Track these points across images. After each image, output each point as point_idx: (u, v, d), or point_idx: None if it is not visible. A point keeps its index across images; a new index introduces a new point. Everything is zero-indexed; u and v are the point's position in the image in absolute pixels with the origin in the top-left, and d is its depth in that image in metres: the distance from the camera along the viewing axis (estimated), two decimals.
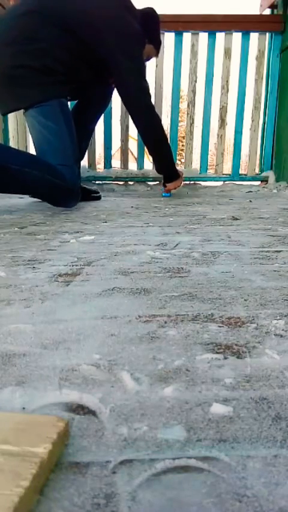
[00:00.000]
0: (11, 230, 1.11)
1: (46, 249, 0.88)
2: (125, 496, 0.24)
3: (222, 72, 2.59)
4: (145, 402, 0.33)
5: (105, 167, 2.71)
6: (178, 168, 2.09)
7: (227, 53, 2.57)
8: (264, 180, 2.73)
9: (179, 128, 2.77)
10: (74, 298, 0.56)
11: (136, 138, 2.38)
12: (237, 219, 1.32)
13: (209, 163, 2.78)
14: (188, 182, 2.66)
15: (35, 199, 1.89)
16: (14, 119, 2.57)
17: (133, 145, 2.89)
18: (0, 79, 1.52)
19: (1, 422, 0.28)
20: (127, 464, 0.26)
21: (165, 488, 0.24)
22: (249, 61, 2.58)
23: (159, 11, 1.84)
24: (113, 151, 2.77)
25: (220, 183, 2.74)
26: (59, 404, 0.33)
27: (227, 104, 2.65)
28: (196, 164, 2.76)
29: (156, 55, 1.96)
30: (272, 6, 2.65)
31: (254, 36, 2.55)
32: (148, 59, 1.95)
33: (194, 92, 2.65)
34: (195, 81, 2.63)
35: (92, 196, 1.94)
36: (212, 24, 2.52)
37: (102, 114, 2.05)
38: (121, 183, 2.70)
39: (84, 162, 2.26)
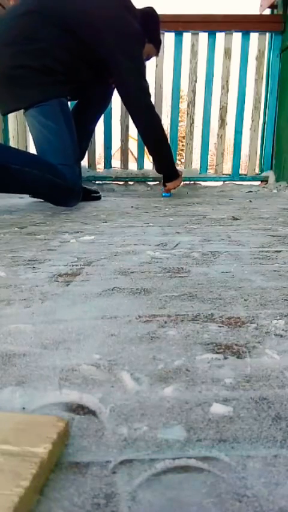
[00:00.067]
0: (11, 230, 1.11)
1: (46, 249, 0.88)
2: (125, 496, 0.24)
3: (222, 72, 2.59)
4: (145, 402, 0.33)
5: (105, 167, 2.71)
6: (178, 168, 2.10)
7: (227, 53, 2.57)
8: (264, 180, 2.73)
9: (179, 127, 2.77)
10: (74, 298, 0.56)
11: (136, 138, 2.38)
12: (237, 219, 1.32)
13: (209, 163, 2.78)
14: (188, 182, 2.66)
15: (35, 199, 1.89)
16: (14, 119, 2.57)
17: (133, 145, 2.89)
18: (0, 79, 1.52)
19: (1, 422, 0.28)
20: (127, 464, 0.26)
21: (165, 488, 0.24)
22: (249, 61, 2.58)
23: (159, 11, 1.84)
24: (113, 151, 2.77)
25: (220, 183, 2.74)
26: (59, 404, 0.33)
27: (227, 104, 2.66)
28: (196, 164, 2.76)
29: (157, 54, 1.96)
30: (272, 6, 2.65)
31: (254, 36, 2.55)
32: (148, 59, 1.95)
33: (194, 92, 2.65)
34: (195, 81, 2.63)
35: (92, 196, 1.94)
36: (212, 24, 2.52)
37: (102, 115, 2.05)
38: (121, 183, 2.70)
39: (84, 162, 2.26)
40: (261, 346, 0.42)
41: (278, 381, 0.36)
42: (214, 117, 2.66)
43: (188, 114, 2.67)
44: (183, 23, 2.51)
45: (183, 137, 2.77)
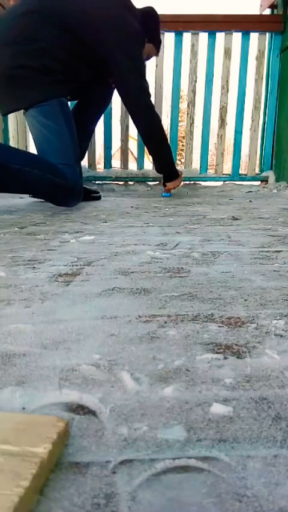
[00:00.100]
0: (11, 230, 1.11)
1: (46, 249, 0.88)
2: (125, 496, 0.24)
3: (222, 72, 2.59)
4: (145, 402, 0.33)
5: (105, 167, 2.72)
6: (178, 167, 2.10)
7: (227, 53, 2.57)
8: (264, 180, 2.73)
9: (179, 128, 2.77)
10: (74, 298, 0.56)
11: (136, 138, 2.38)
12: (237, 219, 1.32)
13: (209, 163, 2.78)
14: (188, 182, 2.66)
15: (35, 199, 1.89)
16: (14, 119, 2.57)
17: (133, 145, 2.89)
18: (0, 79, 1.52)
19: (1, 422, 0.28)
20: (127, 464, 0.26)
21: (165, 488, 0.24)
22: (249, 61, 2.58)
23: (159, 11, 1.84)
24: (113, 151, 2.77)
25: (220, 183, 2.74)
26: (59, 404, 0.33)
27: (227, 104, 2.66)
28: (196, 164, 2.76)
29: (157, 54, 1.96)
30: (272, 6, 2.65)
31: (254, 36, 2.55)
32: (148, 58, 1.95)
33: (194, 92, 2.65)
34: (195, 81, 2.63)
35: (92, 196, 1.94)
36: (212, 24, 2.52)
37: (102, 115, 2.05)
38: (121, 183, 2.70)
39: (84, 162, 2.26)
40: (261, 346, 0.42)
41: (278, 381, 0.36)
42: (214, 117, 2.66)
43: (188, 114, 2.67)
44: (183, 23, 2.51)
45: (183, 137, 2.77)
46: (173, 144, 2.47)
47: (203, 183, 2.71)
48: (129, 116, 1.84)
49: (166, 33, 2.49)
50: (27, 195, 1.88)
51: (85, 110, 1.88)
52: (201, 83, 2.61)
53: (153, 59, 2.06)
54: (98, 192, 2.02)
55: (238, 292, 0.59)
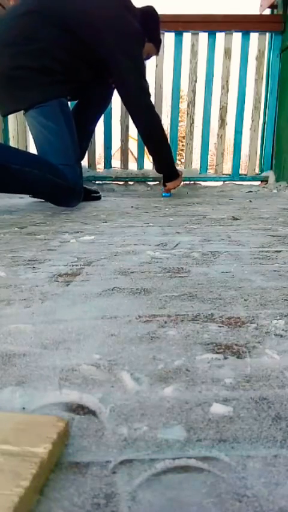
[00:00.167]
0: (11, 230, 1.11)
1: (46, 249, 0.88)
2: (125, 496, 0.24)
3: (222, 72, 2.59)
4: (145, 402, 0.33)
5: (105, 167, 2.72)
6: (178, 167, 2.10)
7: (227, 53, 2.57)
8: (264, 180, 2.73)
9: (179, 128, 2.77)
10: (74, 298, 0.56)
11: (136, 138, 2.38)
12: (237, 219, 1.32)
13: (209, 163, 2.78)
14: (188, 182, 2.66)
15: (35, 199, 1.89)
16: (14, 119, 2.57)
17: (133, 145, 2.89)
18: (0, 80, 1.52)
19: (1, 422, 0.28)
20: (127, 464, 0.26)
21: (165, 488, 0.24)
22: (249, 61, 2.58)
23: (159, 11, 1.84)
24: (113, 151, 2.77)
25: (220, 183, 2.74)
26: (59, 404, 0.33)
27: (227, 104, 2.66)
28: (196, 164, 2.76)
29: (157, 53, 1.96)
30: (272, 6, 2.65)
31: (254, 36, 2.55)
32: (148, 58, 1.95)
33: (194, 92, 2.65)
34: (195, 81, 2.63)
35: (92, 196, 1.94)
36: (212, 24, 2.52)
37: (102, 115, 2.05)
38: (121, 183, 2.70)
39: (84, 162, 2.26)
40: (261, 346, 0.42)
41: (278, 381, 0.36)
42: (214, 117, 2.66)
43: (188, 114, 2.67)
44: (183, 23, 2.51)
45: (183, 137, 2.77)
46: (173, 144, 2.47)
47: (203, 183, 2.71)
48: (129, 116, 1.84)
49: (166, 33, 2.49)
50: (27, 195, 1.88)
51: (85, 110, 1.88)
52: (201, 83, 2.61)
53: (153, 58, 2.06)
54: (98, 192, 2.02)
55: (238, 292, 0.59)
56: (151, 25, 1.79)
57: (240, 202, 1.91)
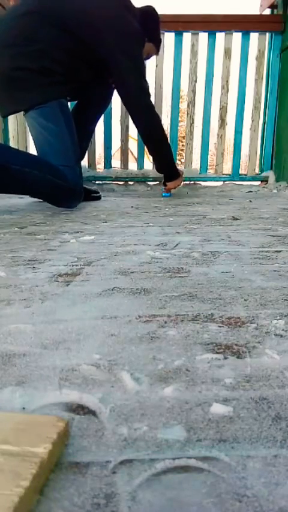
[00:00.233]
0: (11, 230, 1.11)
1: (46, 249, 0.88)
2: (125, 496, 0.24)
3: (222, 72, 2.59)
4: (145, 402, 0.33)
5: (105, 167, 2.72)
6: (178, 167, 2.10)
7: (227, 53, 2.57)
8: (264, 180, 2.73)
9: (179, 128, 2.77)
10: (74, 298, 0.56)
11: (136, 138, 2.38)
12: (237, 219, 1.32)
13: (209, 163, 2.78)
14: (188, 182, 2.66)
15: (36, 199, 1.89)
16: (14, 119, 2.57)
17: (133, 145, 2.89)
18: None
19: (1, 422, 0.28)
20: (127, 464, 0.26)
21: (165, 488, 0.24)
22: (249, 61, 2.58)
23: (159, 11, 1.84)
24: (113, 151, 2.77)
25: (220, 183, 2.74)
26: (59, 404, 0.33)
27: (227, 104, 2.66)
28: (196, 164, 2.76)
29: (157, 53, 1.96)
30: (272, 6, 2.65)
31: (254, 36, 2.55)
32: (148, 57, 1.95)
33: (194, 92, 2.65)
34: (195, 81, 2.63)
35: (92, 196, 1.94)
36: (212, 24, 2.52)
37: (102, 115, 2.05)
38: (121, 183, 2.70)
39: (84, 162, 2.27)
40: (261, 346, 0.42)
41: (278, 381, 0.36)
42: (214, 117, 2.66)
43: (188, 114, 2.67)
44: (183, 23, 2.51)
45: (183, 137, 2.77)
46: (173, 144, 2.47)
47: (203, 183, 2.71)
48: (129, 116, 1.84)
49: (166, 33, 2.49)
50: (28, 195, 1.88)
51: (85, 110, 1.88)
52: (201, 83, 2.61)
53: (153, 58, 2.06)
54: (98, 192, 2.02)
55: (238, 292, 0.59)
56: (151, 25, 1.79)
57: (240, 202, 1.91)
